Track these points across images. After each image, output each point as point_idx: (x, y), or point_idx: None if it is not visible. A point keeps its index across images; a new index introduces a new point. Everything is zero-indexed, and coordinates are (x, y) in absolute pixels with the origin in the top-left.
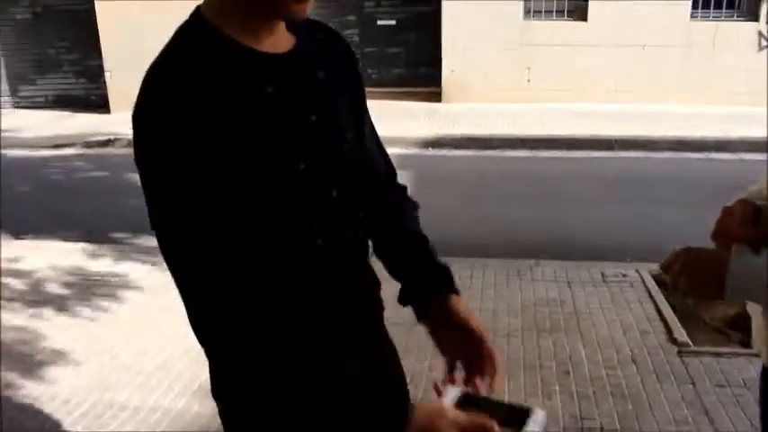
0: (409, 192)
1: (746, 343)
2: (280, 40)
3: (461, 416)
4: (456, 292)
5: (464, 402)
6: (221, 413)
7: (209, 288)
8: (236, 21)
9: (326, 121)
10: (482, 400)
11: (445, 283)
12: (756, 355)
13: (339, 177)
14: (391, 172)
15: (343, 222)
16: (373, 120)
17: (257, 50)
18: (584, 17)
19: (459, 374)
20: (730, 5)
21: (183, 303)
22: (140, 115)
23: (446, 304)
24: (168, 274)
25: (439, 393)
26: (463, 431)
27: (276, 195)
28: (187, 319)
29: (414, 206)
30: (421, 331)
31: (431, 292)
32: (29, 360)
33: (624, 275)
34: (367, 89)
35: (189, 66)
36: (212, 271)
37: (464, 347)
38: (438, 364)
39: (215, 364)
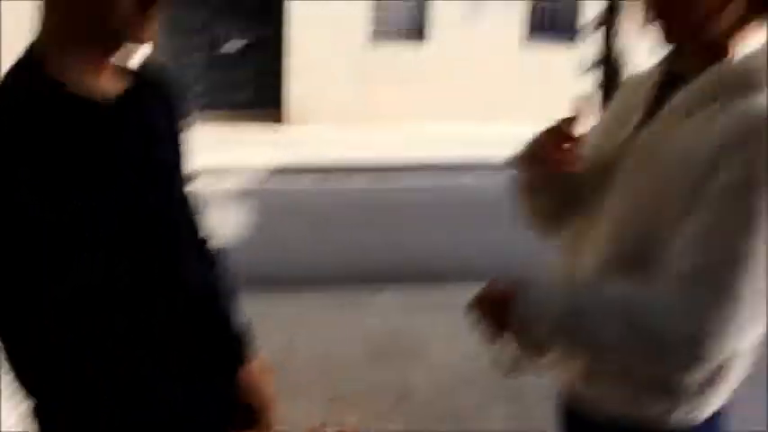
0: (254, 222)
1: None
2: (110, 83)
3: None
4: (246, 361)
5: None
6: None
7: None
8: (66, 62)
9: (157, 165)
10: None
11: (237, 357)
12: None
13: (168, 223)
14: (199, 218)
15: (172, 264)
16: (217, 146)
17: (86, 96)
18: (423, 39)
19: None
20: (555, 32)
21: None
22: None
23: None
24: None
25: None
26: None
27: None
28: None
29: (221, 255)
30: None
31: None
32: None
33: (464, 298)
34: (211, 114)
35: (18, 113)
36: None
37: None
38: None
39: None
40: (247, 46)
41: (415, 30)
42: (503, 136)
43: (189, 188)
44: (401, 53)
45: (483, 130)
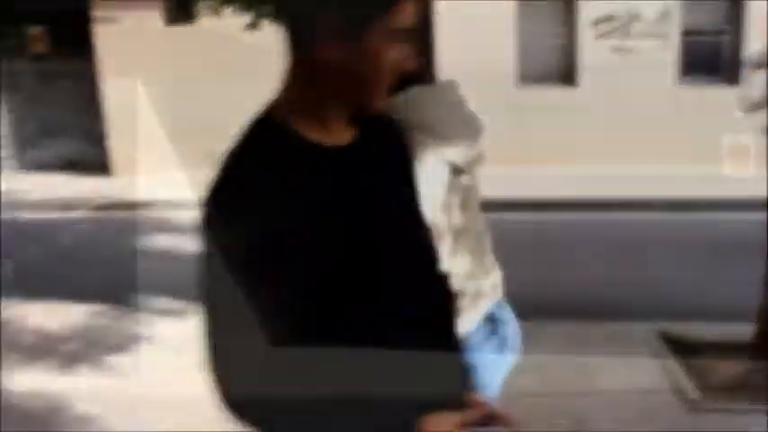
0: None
1: None
2: (344, 131)
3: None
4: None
5: None
6: None
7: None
8: (305, 116)
9: (384, 209)
10: None
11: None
12: None
13: (401, 252)
14: (434, 252)
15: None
16: None
17: (323, 145)
18: (573, 83)
19: None
20: (712, 72)
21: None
22: (217, 204)
23: None
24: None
25: None
26: None
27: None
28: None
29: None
30: None
31: None
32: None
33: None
34: None
35: (259, 161)
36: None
37: None
38: None
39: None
40: None
41: (562, 74)
42: (656, 176)
43: (423, 223)
44: (551, 96)
45: (636, 170)
